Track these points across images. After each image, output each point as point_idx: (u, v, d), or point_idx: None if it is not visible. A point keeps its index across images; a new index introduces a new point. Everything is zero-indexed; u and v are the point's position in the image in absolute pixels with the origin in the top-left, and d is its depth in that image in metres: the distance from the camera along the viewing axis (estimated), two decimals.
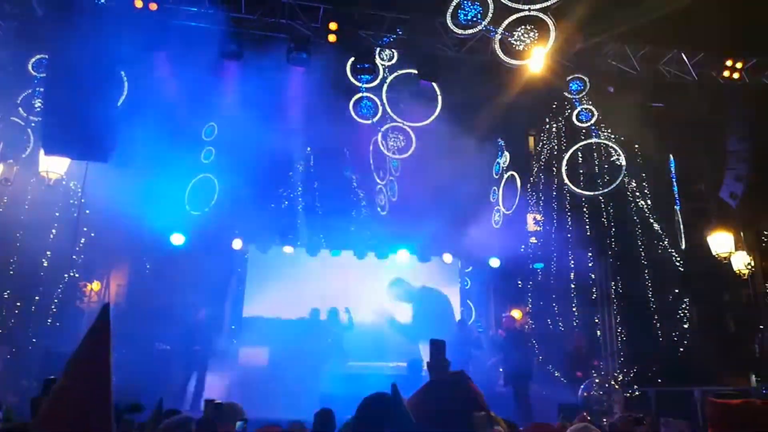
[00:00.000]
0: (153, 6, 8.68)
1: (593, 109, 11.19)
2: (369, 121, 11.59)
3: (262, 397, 9.76)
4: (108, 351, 1.59)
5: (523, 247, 13.16)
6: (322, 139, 12.18)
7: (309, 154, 13.07)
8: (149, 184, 11.16)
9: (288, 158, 12.65)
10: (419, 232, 11.85)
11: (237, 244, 12.51)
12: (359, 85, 11.23)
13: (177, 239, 11.93)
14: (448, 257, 13.28)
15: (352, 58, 10.76)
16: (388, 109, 11.53)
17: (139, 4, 8.65)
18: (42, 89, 8.86)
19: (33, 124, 10.24)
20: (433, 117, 11.62)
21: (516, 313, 13.14)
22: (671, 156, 12.47)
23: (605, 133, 11.66)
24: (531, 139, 14.57)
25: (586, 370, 11.50)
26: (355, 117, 11.47)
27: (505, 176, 12.86)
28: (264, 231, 12.58)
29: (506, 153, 13.02)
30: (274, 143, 11.67)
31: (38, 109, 9.61)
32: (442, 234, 12.28)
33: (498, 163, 13.05)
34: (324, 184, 12.98)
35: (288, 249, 12.68)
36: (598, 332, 12.38)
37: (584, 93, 11.09)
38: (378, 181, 12.61)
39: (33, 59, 9.62)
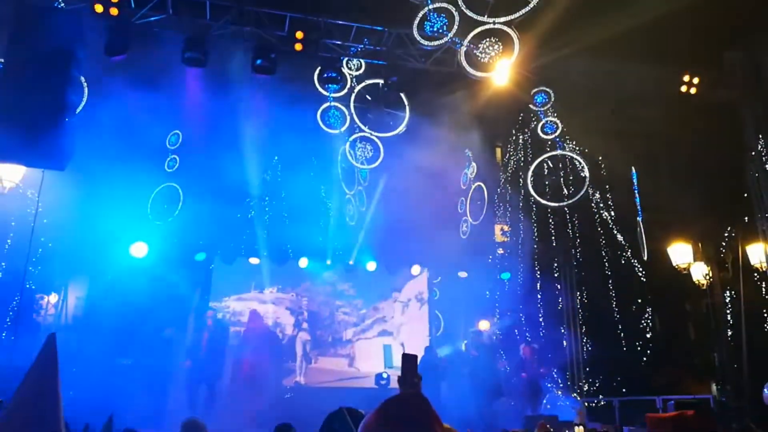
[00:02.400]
0: (114, 11, 8.48)
1: (557, 122, 11.36)
2: (337, 131, 11.55)
3: (226, 414, 9.56)
4: (56, 381, 1.51)
5: (490, 257, 13.25)
6: (290, 148, 12.09)
7: (276, 163, 12.94)
8: (110, 193, 10.89)
9: (255, 168, 12.49)
10: (388, 242, 11.80)
11: (201, 255, 12.26)
12: (326, 94, 11.20)
13: (138, 249, 11.62)
14: (416, 268, 13.28)
15: (319, 68, 10.73)
16: (356, 119, 11.52)
17: (99, 8, 8.45)
18: None
19: None
20: (401, 128, 11.66)
21: (483, 324, 13.19)
22: (633, 168, 12.73)
23: (570, 145, 11.86)
24: (498, 151, 14.72)
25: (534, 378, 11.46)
26: (323, 126, 11.42)
27: (473, 187, 12.94)
28: (229, 241, 12.38)
29: (473, 164, 13.11)
30: (241, 152, 11.54)
31: None
32: (411, 244, 12.27)
33: (466, 173, 13.13)
34: (291, 194, 12.84)
35: (254, 260, 12.49)
36: (564, 342, 12.49)
37: (549, 105, 11.26)
38: (346, 191, 12.55)
39: None
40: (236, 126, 11.48)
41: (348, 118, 11.48)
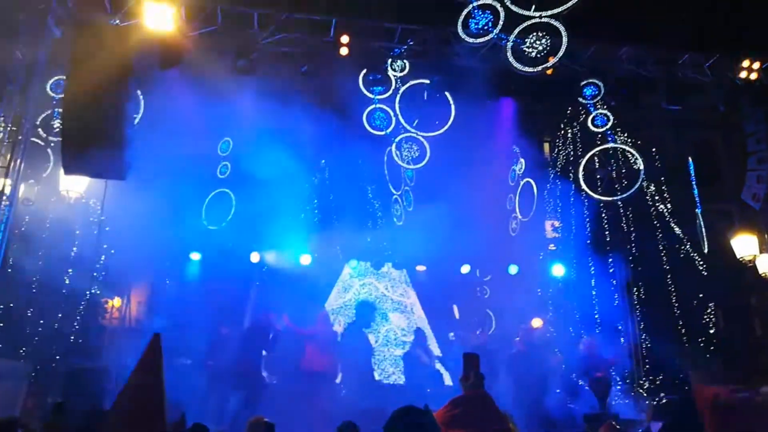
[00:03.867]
0: (166, 25, 8.78)
1: (608, 114, 11.07)
2: (382, 132, 11.61)
3: (289, 412, 9.71)
4: (161, 379, 1.58)
5: (541, 254, 13.03)
6: (337, 151, 12.25)
7: (324, 166, 13.13)
8: (167, 201, 11.28)
9: (303, 171, 12.70)
10: (436, 242, 11.76)
11: (255, 257, 12.56)
12: (372, 96, 11.28)
13: (195, 254, 12.04)
14: (465, 267, 13.17)
15: (364, 70, 10.82)
16: (402, 120, 11.55)
17: (152, 23, 8.76)
18: (60, 110, 9.00)
19: (52, 144, 10.43)
20: (446, 126, 11.61)
21: (536, 322, 12.99)
22: (690, 159, 12.27)
23: (622, 137, 11.53)
24: (546, 146, 14.47)
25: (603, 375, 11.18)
26: (369, 128, 11.50)
27: (521, 183, 12.77)
28: (282, 243, 12.62)
29: (521, 160, 12.93)
30: (289, 157, 11.75)
31: (56, 130, 9.78)
32: (459, 243, 12.19)
33: (514, 170, 12.97)
34: (339, 196, 13.01)
35: (306, 260, 12.69)
36: (622, 339, 12.17)
37: (599, 97, 10.98)
38: (393, 191, 12.59)
39: (51, 80, 9.80)
40: (284, 131, 11.71)
41: (393, 119, 11.53)
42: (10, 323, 10.07)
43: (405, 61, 11.01)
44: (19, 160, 7.81)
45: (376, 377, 11.95)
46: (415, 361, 11.35)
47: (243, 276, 12.47)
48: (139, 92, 9.87)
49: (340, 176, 12.96)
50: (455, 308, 13.05)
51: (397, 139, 11.73)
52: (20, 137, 8.21)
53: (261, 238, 12.58)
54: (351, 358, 10.96)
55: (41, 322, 10.99)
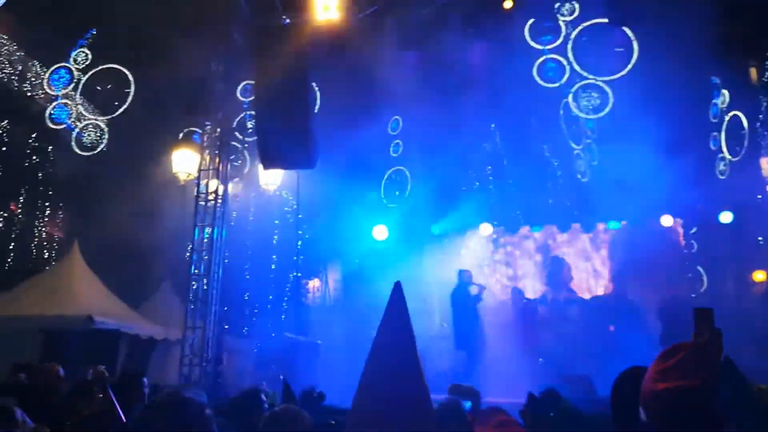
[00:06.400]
0: (334, 13, 9.07)
1: None
2: (556, 84, 10.85)
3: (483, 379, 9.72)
4: (410, 329, 1.52)
5: (759, 196, 11.26)
6: (506, 112, 11.75)
7: (494, 130, 12.72)
8: (348, 184, 11.83)
9: (473, 138, 12.44)
10: (629, 195, 10.72)
11: (436, 228, 12.71)
12: (540, 47, 10.58)
13: (380, 232, 12.48)
14: (667, 219, 11.81)
15: (531, 21, 10.17)
16: (576, 67, 10.66)
17: (319, 14, 9.11)
18: (252, 112, 9.82)
19: (246, 145, 11.50)
20: (628, 67, 10.47)
21: (759, 275, 11.33)
22: None
23: None
24: (753, 71, 12.36)
25: None
26: (541, 82, 10.82)
27: (726, 118, 11.10)
28: (459, 214, 12.57)
29: (724, 92, 11.22)
30: (458, 126, 11.56)
31: (250, 131, 10.71)
32: (657, 194, 10.99)
33: (715, 104, 11.31)
34: (513, 159, 12.53)
35: (486, 229, 12.49)
36: None
37: None
38: (574, 146, 11.75)
39: (240, 86, 10.73)
40: (450, 100, 11.52)
41: (567, 67, 10.69)
42: (232, 306, 11.41)
43: (574, 2, 10.13)
44: (226, 162, 8.68)
45: None
46: None
47: (425, 250, 12.69)
48: (314, 83, 10.37)
49: (513, 139, 12.45)
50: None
51: (574, 89, 10.86)
52: (222, 141, 9.14)
53: (439, 211, 12.66)
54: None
55: (256, 304, 12.35)
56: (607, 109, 10.80)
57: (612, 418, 2.38)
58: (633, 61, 10.34)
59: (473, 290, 10.84)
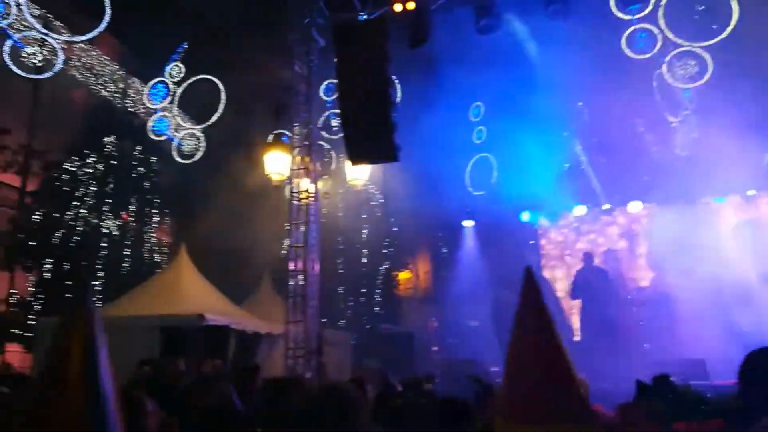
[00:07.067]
0: (410, 5, 9.08)
1: None
2: (648, 55, 10.24)
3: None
4: (545, 308, 1.53)
5: None
6: (594, 88, 11.26)
7: (582, 108, 12.23)
8: (432, 174, 11.84)
9: (560, 119, 12.03)
10: (740, 164, 9.90)
11: (525, 216, 12.44)
12: (629, 17, 10.01)
13: (468, 222, 12.42)
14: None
15: None
16: (669, 34, 10.00)
17: (398, 7, 9.14)
18: (336, 111, 10.03)
19: (332, 143, 11.78)
20: (728, 30, 9.68)
21: None
22: None
23: None
24: None
25: None
26: (631, 54, 10.25)
27: None
28: (550, 198, 12.23)
29: None
30: (544, 107, 11.22)
31: (335, 129, 10.96)
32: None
33: None
34: (604, 137, 11.99)
35: (580, 211, 12.06)
36: None
37: None
38: (670, 119, 11.06)
39: (323, 85, 10.99)
40: (533, 83, 11.21)
41: (659, 35, 10.06)
42: (329, 301, 11.80)
43: None
44: (315, 162, 8.94)
45: None
46: None
47: (516, 237, 12.46)
48: (394, 76, 10.43)
49: (603, 115, 11.91)
50: None
51: (668, 57, 10.21)
52: (310, 141, 9.41)
53: (527, 196, 12.37)
54: None
55: (351, 298, 12.68)
56: (706, 77, 10.08)
57: (740, 394, 2.34)
58: (733, 22, 9.56)
59: None
